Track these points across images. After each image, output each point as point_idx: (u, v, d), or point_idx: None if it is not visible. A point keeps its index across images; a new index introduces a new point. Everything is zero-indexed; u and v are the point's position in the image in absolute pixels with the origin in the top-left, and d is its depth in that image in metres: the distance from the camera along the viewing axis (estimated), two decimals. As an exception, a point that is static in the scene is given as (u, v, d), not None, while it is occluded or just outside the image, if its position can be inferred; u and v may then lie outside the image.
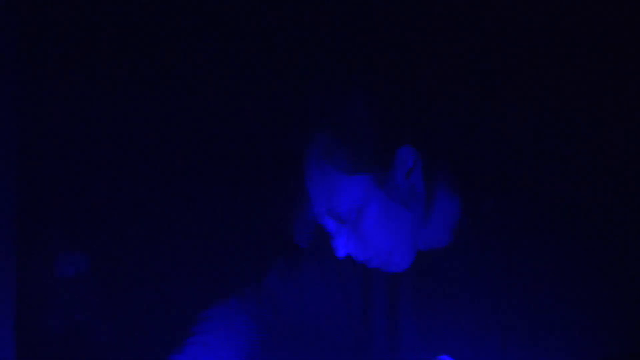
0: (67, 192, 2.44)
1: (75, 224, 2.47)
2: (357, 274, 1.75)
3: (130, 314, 2.46)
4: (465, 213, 1.63)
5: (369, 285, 1.74)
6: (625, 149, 1.87)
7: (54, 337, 2.47)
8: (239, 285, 1.86)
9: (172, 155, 2.43)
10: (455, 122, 1.68)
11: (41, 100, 2.34)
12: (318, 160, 1.56)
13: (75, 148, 2.41)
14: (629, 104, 1.87)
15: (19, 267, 2.15)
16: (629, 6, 1.84)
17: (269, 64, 2.27)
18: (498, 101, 1.90)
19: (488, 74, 1.93)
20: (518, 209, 1.60)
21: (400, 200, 1.57)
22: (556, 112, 1.91)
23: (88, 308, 2.48)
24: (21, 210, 2.17)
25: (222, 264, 2.40)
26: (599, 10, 1.88)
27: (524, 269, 1.57)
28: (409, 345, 1.67)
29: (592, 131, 1.89)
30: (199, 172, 2.43)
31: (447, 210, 1.63)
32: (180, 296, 2.39)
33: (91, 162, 2.43)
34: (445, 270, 1.64)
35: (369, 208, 1.57)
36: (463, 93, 1.84)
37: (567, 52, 1.92)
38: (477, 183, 1.64)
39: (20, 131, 2.14)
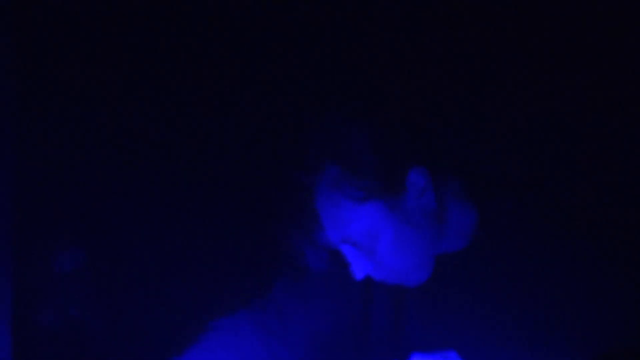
0: (64, 188, 2.44)
1: (72, 220, 2.46)
2: (363, 283, 1.75)
3: (126, 310, 2.46)
4: (480, 222, 1.64)
5: (374, 292, 1.74)
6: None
7: (50, 332, 2.47)
8: (244, 292, 1.86)
9: (174, 157, 2.43)
10: (464, 134, 1.69)
11: (39, 96, 2.34)
12: (328, 191, 1.58)
13: (72, 144, 2.41)
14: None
15: (15, 263, 2.15)
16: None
17: (273, 97, 2.28)
18: (508, 109, 1.91)
19: (494, 80, 1.94)
20: (532, 215, 1.61)
21: (414, 221, 1.59)
22: (570, 119, 1.92)
23: (85, 304, 2.48)
24: (18, 205, 2.16)
25: (220, 263, 2.40)
26: (608, 12, 1.89)
27: (538, 275, 1.58)
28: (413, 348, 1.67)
29: (607, 138, 1.90)
30: (201, 173, 2.43)
31: (461, 222, 1.65)
32: (176, 294, 2.39)
33: (89, 158, 2.42)
34: (457, 274, 1.65)
35: (383, 233, 1.59)
36: (470, 102, 1.84)
37: (576, 57, 1.92)
38: (490, 192, 1.66)
39: (17, 127, 2.14)
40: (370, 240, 1.59)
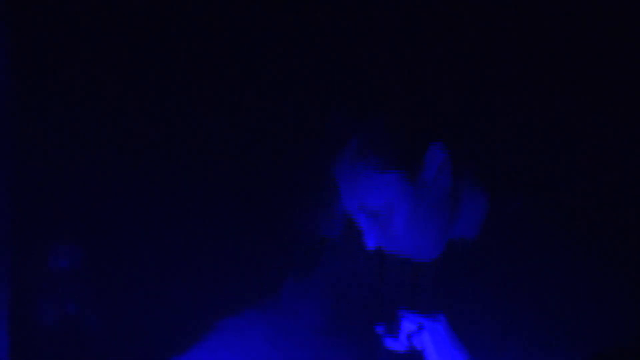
0: (62, 185, 2.43)
1: (70, 218, 2.46)
2: (375, 271, 1.76)
3: (126, 308, 2.46)
4: (493, 211, 1.66)
5: (387, 281, 1.75)
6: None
7: (48, 330, 2.46)
8: (250, 290, 1.87)
9: (174, 151, 2.43)
10: (486, 121, 1.69)
11: (37, 94, 2.34)
12: (350, 159, 1.61)
13: (70, 141, 2.40)
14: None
15: (13, 261, 2.14)
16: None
17: (303, 68, 2.28)
18: (530, 101, 1.90)
19: (521, 72, 1.94)
20: (545, 210, 1.62)
21: (429, 197, 1.61)
22: (591, 114, 1.92)
23: (83, 302, 2.48)
24: (16, 204, 2.16)
25: (223, 260, 2.40)
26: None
27: (540, 271, 1.59)
28: None
29: (628, 135, 1.90)
30: (203, 165, 2.43)
31: (474, 208, 1.66)
32: (177, 291, 2.39)
33: (87, 155, 2.42)
34: (468, 263, 1.67)
35: (399, 205, 1.61)
36: (494, 91, 1.84)
37: (600, 49, 1.92)
38: (504, 182, 1.67)
39: (16, 125, 2.13)
40: (386, 212, 1.61)
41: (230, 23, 2.34)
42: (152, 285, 2.43)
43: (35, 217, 2.41)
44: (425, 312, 1.57)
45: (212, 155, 2.40)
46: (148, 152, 2.42)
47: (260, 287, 1.87)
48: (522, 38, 1.96)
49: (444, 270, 1.70)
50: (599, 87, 1.92)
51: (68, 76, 2.37)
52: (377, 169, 1.59)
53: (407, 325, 1.57)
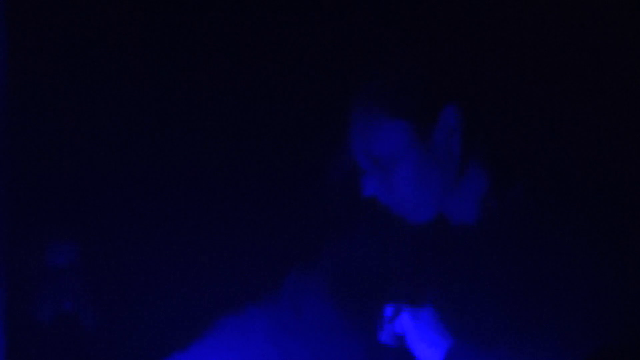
0: (58, 182, 2.43)
1: (67, 215, 2.46)
2: (377, 267, 1.76)
3: (123, 305, 2.46)
4: (493, 191, 1.65)
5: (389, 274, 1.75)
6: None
7: (45, 327, 2.46)
8: (254, 287, 1.86)
9: (171, 147, 2.43)
10: (504, 99, 1.69)
11: (33, 92, 2.33)
12: (364, 103, 1.63)
13: (66, 138, 2.40)
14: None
15: (9, 257, 2.14)
16: None
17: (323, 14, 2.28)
18: (549, 88, 1.90)
19: (545, 58, 1.93)
20: (546, 198, 1.62)
21: (435, 157, 1.62)
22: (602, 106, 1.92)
23: (79, 299, 2.48)
24: (12, 200, 2.16)
25: (222, 258, 2.40)
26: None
27: (545, 260, 1.59)
28: None
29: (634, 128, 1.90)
30: (201, 155, 2.43)
31: (476, 182, 1.66)
32: (176, 288, 2.39)
33: (83, 152, 2.42)
34: (468, 250, 1.67)
35: (404, 157, 1.62)
36: (519, 72, 1.83)
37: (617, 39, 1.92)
38: (510, 164, 1.67)
39: (11, 122, 2.13)
40: (390, 161, 1.62)
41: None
42: (150, 283, 2.43)
43: (32, 214, 2.41)
44: (412, 303, 1.59)
45: (210, 153, 2.40)
46: (145, 148, 2.42)
47: (261, 282, 1.86)
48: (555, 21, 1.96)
49: (442, 262, 1.69)
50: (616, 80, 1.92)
51: (66, 73, 2.37)
52: (390, 115, 1.61)
53: (391, 314, 1.59)
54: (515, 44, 1.84)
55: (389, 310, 1.62)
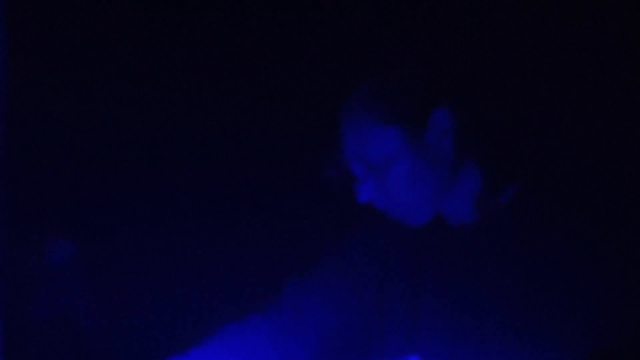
0: (56, 180, 2.43)
1: (64, 212, 2.46)
2: (376, 269, 1.76)
3: (121, 303, 2.45)
4: (489, 191, 1.66)
5: (389, 286, 1.75)
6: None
7: (42, 325, 2.46)
8: (255, 293, 1.86)
9: (171, 146, 2.43)
10: (497, 99, 1.69)
11: (31, 89, 2.33)
12: (355, 106, 1.62)
13: (64, 135, 2.40)
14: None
15: (6, 254, 2.14)
16: None
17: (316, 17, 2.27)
18: (545, 88, 1.90)
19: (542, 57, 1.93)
20: (543, 197, 1.62)
21: (428, 159, 1.62)
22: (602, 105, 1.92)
23: (77, 296, 2.48)
24: (10, 197, 2.16)
25: (215, 256, 2.40)
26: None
27: (546, 257, 1.59)
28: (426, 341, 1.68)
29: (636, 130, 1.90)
30: (203, 162, 2.43)
31: (471, 183, 1.66)
32: (171, 287, 2.39)
33: (80, 150, 2.42)
34: (467, 251, 1.67)
35: (397, 161, 1.62)
36: (513, 71, 1.83)
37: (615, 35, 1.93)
38: (506, 163, 1.67)
39: (8, 120, 2.13)
40: (384, 165, 1.62)
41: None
42: (149, 281, 2.43)
43: (30, 212, 2.40)
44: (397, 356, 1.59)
45: (209, 151, 2.40)
46: (144, 146, 2.42)
47: (262, 285, 1.86)
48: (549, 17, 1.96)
49: (441, 262, 1.70)
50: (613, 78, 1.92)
51: (62, 70, 2.36)
52: (381, 121, 1.61)
53: None
54: (508, 44, 1.84)
55: None
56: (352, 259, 1.78)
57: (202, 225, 2.45)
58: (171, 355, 1.76)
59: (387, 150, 1.62)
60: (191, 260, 2.42)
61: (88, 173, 2.43)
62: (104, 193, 2.44)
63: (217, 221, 2.43)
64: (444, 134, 1.61)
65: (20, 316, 2.40)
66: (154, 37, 2.39)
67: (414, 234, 1.72)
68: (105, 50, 2.37)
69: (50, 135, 2.39)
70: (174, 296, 2.40)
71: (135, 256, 2.44)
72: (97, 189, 2.44)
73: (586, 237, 1.58)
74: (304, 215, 2.17)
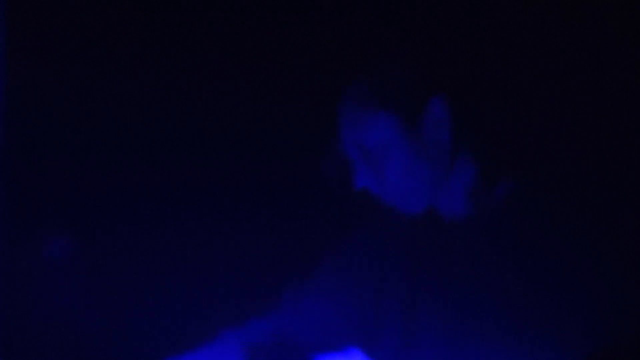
0: (54, 176, 2.42)
1: (63, 208, 2.45)
2: (375, 269, 1.76)
3: (119, 301, 2.45)
4: (484, 184, 1.66)
5: (386, 285, 1.75)
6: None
7: (40, 322, 2.45)
8: (255, 293, 1.87)
9: (170, 144, 2.43)
10: (495, 93, 1.70)
11: (29, 87, 2.33)
12: (353, 95, 1.64)
13: (63, 134, 2.40)
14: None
15: (4, 250, 2.14)
16: None
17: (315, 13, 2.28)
18: (541, 83, 1.90)
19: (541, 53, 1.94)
20: (540, 192, 1.63)
21: (423, 148, 1.63)
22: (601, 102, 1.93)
23: (76, 294, 2.47)
24: (8, 194, 2.15)
25: (215, 256, 2.40)
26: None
27: (545, 257, 1.59)
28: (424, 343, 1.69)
29: (630, 126, 1.90)
30: (203, 160, 2.42)
31: (466, 175, 1.67)
32: (171, 285, 2.39)
33: (78, 146, 2.41)
34: (463, 246, 1.67)
35: (392, 148, 1.64)
36: (510, 64, 1.84)
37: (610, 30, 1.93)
38: (500, 157, 1.68)
39: (7, 118, 2.13)
40: (381, 152, 1.64)
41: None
42: (148, 280, 2.43)
43: (29, 209, 2.40)
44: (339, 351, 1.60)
45: (209, 151, 2.40)
46: (143, 145, 2.42)
47: (262, 286, 1.87)
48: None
49: (438, 257, 1.70)
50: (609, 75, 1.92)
51: (60, 69, 2.36)
52: (377, 109, 1.62)
53: None
54: (505, 38, 1.85)
55: None
56: (351, 259, 1.78)
57: (202, 225, 2.45)
58: (171, 355, 1.76)
59: (383, 137, 1.63)
60: (191, 260, 2.42)
61: (88, 172, 2.42)
62: (104, 192, 2.44)
63: (217, 221, 2.42)
64: (440, 123, 1.63)
65: (19, 315, 2.40)
66: (152, 34, 2.38)
67: (412, 234, 1.72)
68: (104, 50, 2.36)
69: (50, 135, 2.39)
70: (173, 296, 2.39)
71: (135, 256, 2.44)
72: (97, 188, 2.43)
73: (585, 234, 1.58)
74: (303, 216, 2.17)
